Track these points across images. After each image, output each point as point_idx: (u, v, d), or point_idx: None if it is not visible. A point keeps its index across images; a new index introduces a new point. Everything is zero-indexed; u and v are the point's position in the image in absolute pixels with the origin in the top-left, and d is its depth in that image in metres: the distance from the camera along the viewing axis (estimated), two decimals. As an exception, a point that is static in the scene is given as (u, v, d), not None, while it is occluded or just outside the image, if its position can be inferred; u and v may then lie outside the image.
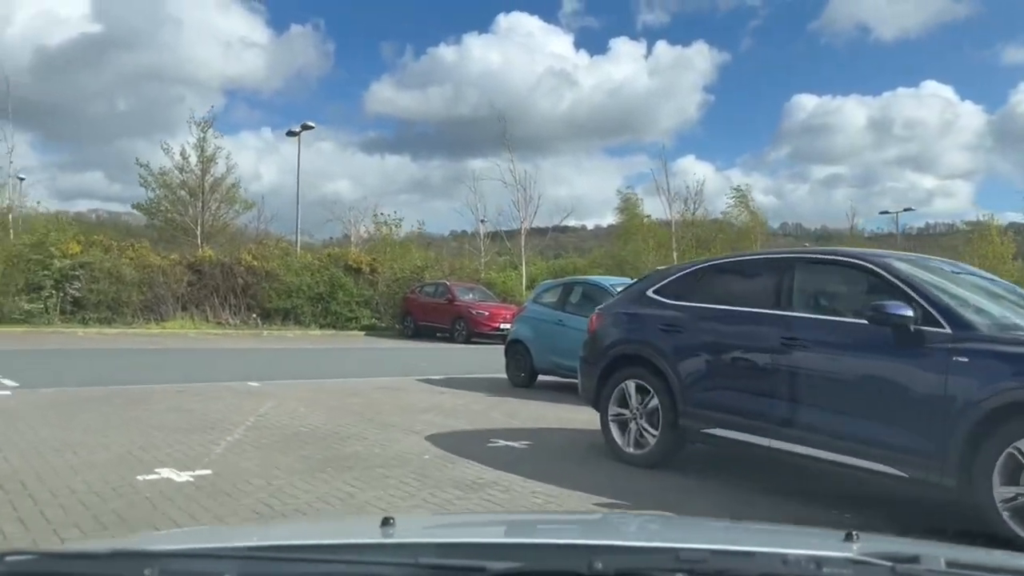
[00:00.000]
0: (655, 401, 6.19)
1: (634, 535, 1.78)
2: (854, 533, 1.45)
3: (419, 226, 32.78)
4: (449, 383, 11.94)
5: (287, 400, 9.53)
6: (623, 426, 6.49)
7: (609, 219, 40.81)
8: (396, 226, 31.14)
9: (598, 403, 6.72)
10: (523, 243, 30.64)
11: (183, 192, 27.83)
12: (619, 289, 10.69)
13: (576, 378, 11.10)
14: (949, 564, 1.26)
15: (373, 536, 1.50)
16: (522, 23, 68.08)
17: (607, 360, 6.62)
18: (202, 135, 28.09)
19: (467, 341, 22.47)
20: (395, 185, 64.69)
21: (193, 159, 27.93)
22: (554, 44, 66.18)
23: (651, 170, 49.31)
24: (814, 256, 5.89)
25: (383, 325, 26.18)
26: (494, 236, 37.72)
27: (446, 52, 60.27)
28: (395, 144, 56.62)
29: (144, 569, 1.14)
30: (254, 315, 24.64)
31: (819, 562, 1.23)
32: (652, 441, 6.23)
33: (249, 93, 56.87)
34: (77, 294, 21.40)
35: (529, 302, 12.35)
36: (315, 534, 1.80)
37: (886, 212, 46.06)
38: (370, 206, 34.48)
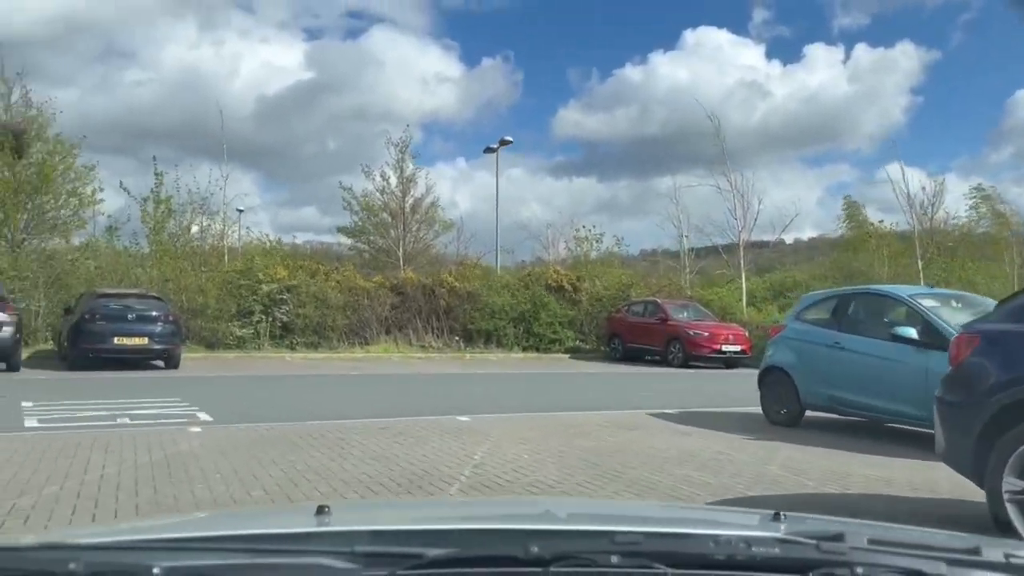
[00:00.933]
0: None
1: (570, 519, 1.79)
2: (781, 513, 1.53)
3: (617, 242, 30.67)
4: (689, 419, 9.85)
5: (504, 442, 7.85)
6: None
7: (809, 232, 36.85)
8: (596, 241, 29.36)
9: (978, 470, 4.42)
10: (741, 255, 27.83)
11: (385, 214, 27.63)
12: (926, 301, 8.17)
13: (864, 416, 8.87)
14: (871, 541, 1.31)
15: (308, 525, 1.49)
16: (710, 37, 64.80)
17: (996, 407, 4.33)
18: (400, 156, 27.85)
19: (683, 365, 20.18)
20: (583, 207, 63.32)
21: (393, 181, 27.72)
22: (744, 55, 62.35)
23: (852, 179, 44.34)
24: None
25: (587, 347, 24.41)
26: (698, 251, 35.07)
27: (632, 73, 58.57)
28: (582, 166, 55.62)
29: (70, 563, 1.10)
30: (456, 337, 23.66)
31: (748, 542, 1.25)
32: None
33: (444, 125, 58.04)
34: (285, 318, 21.27)
35: (790, 319, 9.99)
36: (248, 524, 1.77)
37: None
38: (566, 223, 32.92)
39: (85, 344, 15.20)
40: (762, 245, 34.16)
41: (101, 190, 23.00)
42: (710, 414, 10.50)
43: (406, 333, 23.45)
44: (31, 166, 22.12)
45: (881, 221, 31.18)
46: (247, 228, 27.76)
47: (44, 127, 23.10)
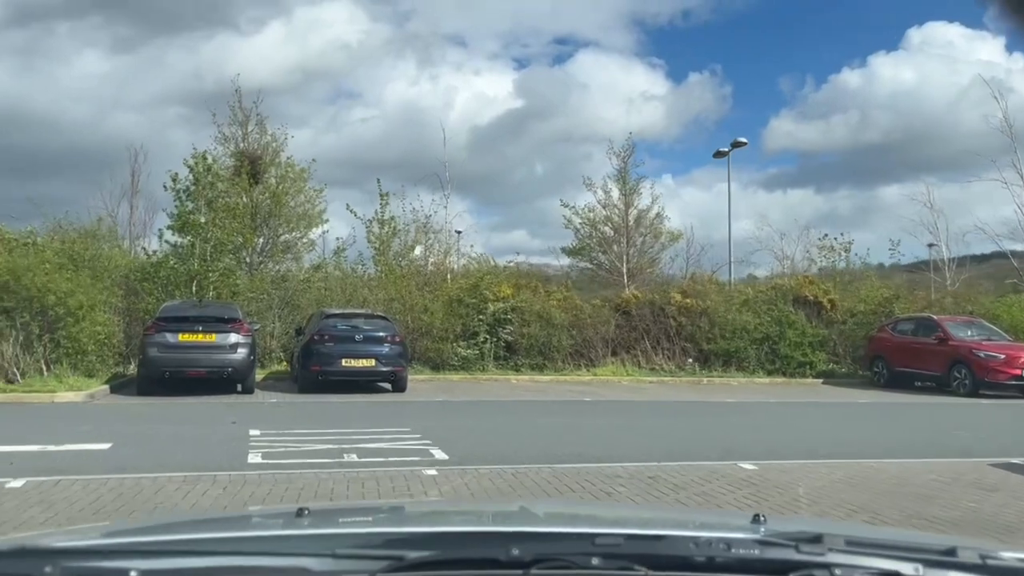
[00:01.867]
0: None
1: (550, 521, 1.77)
2: (761, 515, 1.55)
3: (862, 254, 27.03)
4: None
5: (826, 507, 5.84)
6: None
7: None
8: (845, 251, 25.99)
9: None
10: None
11: (607, 228, 26.08)
12: None
13: None
14: (849, 543, 1.30)
15: (288, 528, 1.49)
16: (938, 34, 57.59)
17: None
18: (622, 165, 26.19)
19: (972, 393, 16.83)
20: (800, 220, 58.43)
21: (615, 193, 26.09)
22: (981, 50, 54.73)
23: None
24: None
25: (843, 371, 21.38)
26: (958, 260, 30.47)
27: (849, 77, 53.37)
28: (797, 178, 51.38)
29: (45, 567, 1.12)
30: (690, 359, 21.52)
31: (728, 543, 1.26)
32: None
33: (650, 144, 56.09)
34: (510, 339, 20.20)
35: None
36: (229, 527, 1.74)
37: None
38: (802, 230, 29.71)
39: (314, 366, 14.76)
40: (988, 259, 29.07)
41: (325, 215, 23.42)
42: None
43: (634, 354, 21.65)
44: (266, 191, 22.78)
45: None
46: (471, 246, 27.23)
47: (277, 153, 23.82)
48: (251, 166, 22.66)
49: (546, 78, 54.65)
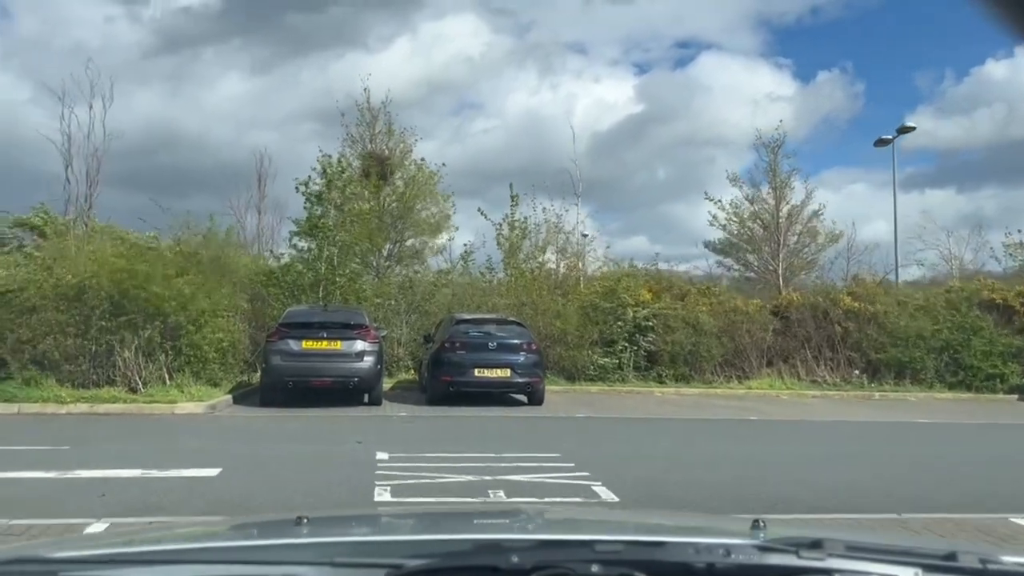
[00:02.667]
0: None
1: (550, 529, 1.78)
2: (760, 520, 1.53)
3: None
4: None
5: None
6: None
7: None
8: (1030, 245, 22.74)
9: None
10: None
11: (755, 225, 23.84)
12: None
13: None
14: (849, 548, 1.29)
15: (287, 536, 1.47)
16: None
17: None
18: (772, 157, 23.88)
19: None
20: (939, 221, 53.54)
21: (764, 187, 23.83)
22: None
23: None
24: None
25: (1041, 385, 18.45)
26: None
27: (994, 69, 48.31)
28: (936, 178, 46.83)
29: None
30: (856, 371, 19.12)
31: (728, 549, 1.25)
32: None
33: (776, 146, 52.50)
34: (651, 347, 18.43)
35: None
36: (227, 535, 1.74)
37: None
38: (973, 227, 26.46)
39: (444, 376, 13.52)
40: None
41: (453, 221, 22.35)
42: None
43: (792, 365, 19.43)
44: (393, 194, 21.94)
45: None
46: (608, 246, 25.51)
47: (406, 154, 22.96)
48: (379, 167, 21.88)
49: (667, 82, 52.86)
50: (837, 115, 51.17)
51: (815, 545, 1.25)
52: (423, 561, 1.17)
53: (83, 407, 11.51)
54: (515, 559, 1.14)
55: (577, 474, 7.14)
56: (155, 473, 6.85)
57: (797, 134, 48.08)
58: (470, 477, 6.84)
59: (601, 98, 48.92)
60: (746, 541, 1.34)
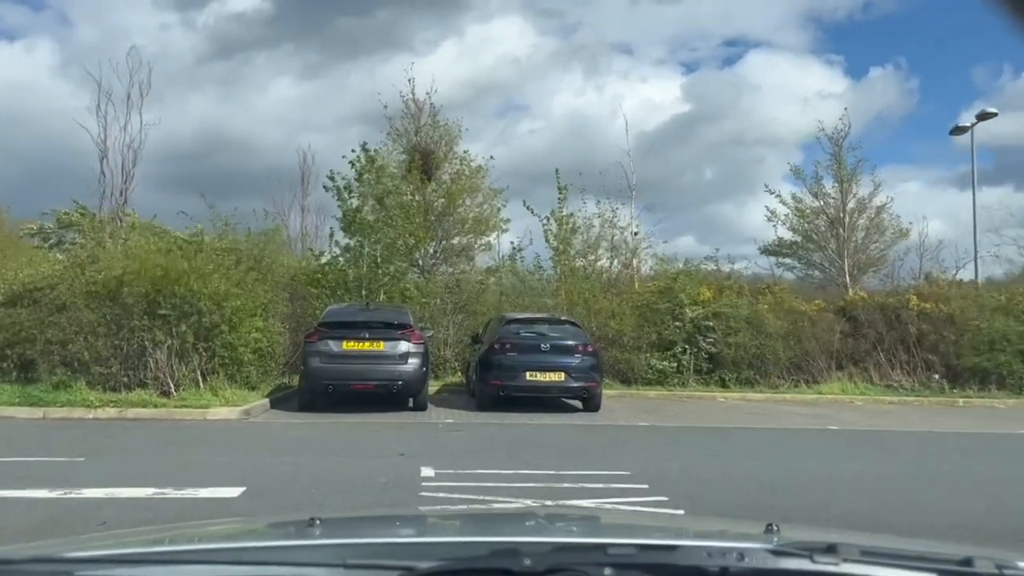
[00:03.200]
0: None
1: (563, 532, 1.76)
2: (774, 525, 1.52)
3: None
4: None
5: None
6: None
7: None
8: None
9: None
10: None
11: (819, 221, 22.47)
12: None
13: None
14: (864, 552, 1.26)
15: (301, 538, 1.48)
16: None
17: None
18: (836, 149, 22.47)
19: None
20: (997, 220, 51.05)
21: (828, 181, 22.45)
22: None
23: None
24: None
25: None
26: None
27: None
28: (993, 175, 44.57)
29: None
30: (935, 375, 17.72)
31: (742, 553, 1.24)
32: None
33: (827, 144, 50.77)
34: (712, 349, 17.28)
35: None
36: (241, 536, 1.75)
37: None
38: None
39: (494, 380, 12.59)
40: None
41: (502, 215, 21.37)
42: None
43: (863, 368, 18.10)
44: (439, 188, 21.08)
45: None
46: (664, 241, 24.18)
47: (451, 147, 22.09)
48: (423, 161, 21.05)
49: (715, 81, 51.67)
50: (890, 112, 49.32)
51: (829, 549, 1.23)
52: (436, 563, 1.16)
53: (111, 412, 10.81)
54: (528, 562, 1.12)
55: (652, 499, 6.14)
56: (169, 493, 6.02)
57: (851, 133, 46.39)
58: (528, 501, 5.87)
59: (648, 98, 47.93)
60: (759, 545, 1.32)
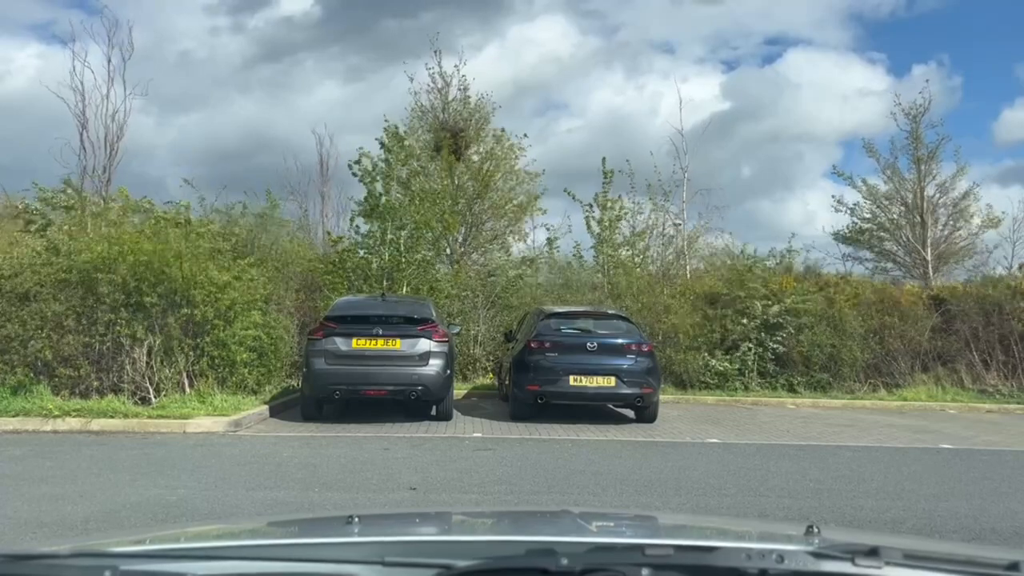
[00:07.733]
0: None
1: (599, 532, 1.73)
2: (814, 527, 1.48)
3: None
4: None
5: None
6: None
7: None
8: None
9: None
10: None
11: (895, 206, 20.14)
12: None
13: None
14: (906, 556, 1.24)
15: (339, 535, 1.47)
16: None
17: None
18: (913, 127, 20.11)
19: None
20: None
21: (904, 164, 20.09)
22: None
23: None
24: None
25: None
26: None
27: None
28: None
29: (105, 571, 1.12)
30: (1040, 379, 15.40)
31: (782, 555, 1.20)
32: None
33: (868, 142, 48.64)
34: (781, 348, 15.13)
35: None
36: (280, 534, 1.75)
37: None
38: None
39: (531, 384, 10.62)
40: None
41: (540, 201, 19.36)
42: None
43: (952, 370, 15.83)
44: (469, 170, 19.13)
45: None
46: (728, 232, 21.88)
47: (483, 124, 20.10)
48: (452, 140, 19.13)
49: (755, 79, 50.06)
50: (933, 109, 47.04)
51: (871, 552, 1.19)
52: (473, 562, 1.15)
53: (73, 423, 9.00)
54: (564, 561, 1.11)
55: None
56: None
57: (891, 129, 44.09)
58: None
59: (688, 96, 46.36)
60: (800, 547, 1.28)
